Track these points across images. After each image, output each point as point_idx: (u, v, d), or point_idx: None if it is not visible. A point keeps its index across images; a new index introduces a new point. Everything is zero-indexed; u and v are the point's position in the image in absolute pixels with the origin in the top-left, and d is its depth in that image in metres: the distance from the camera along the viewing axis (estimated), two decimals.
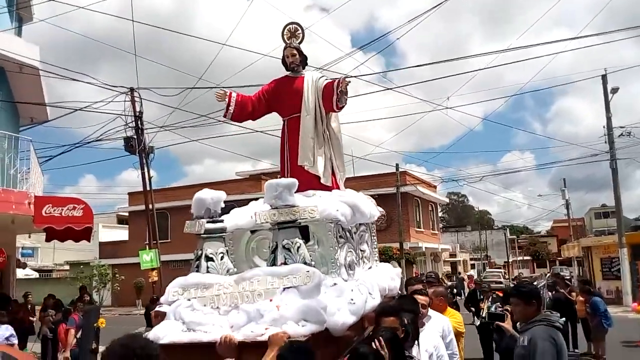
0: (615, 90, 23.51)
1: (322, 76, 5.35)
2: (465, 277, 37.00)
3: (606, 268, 25.14)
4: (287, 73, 5.46)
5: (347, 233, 4.76)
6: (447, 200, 48.83)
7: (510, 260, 63.03)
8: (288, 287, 3.53)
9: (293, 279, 3.55)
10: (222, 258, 3.97)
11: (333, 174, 5.27)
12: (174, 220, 31.78)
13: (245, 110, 5.38)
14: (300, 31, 5.41)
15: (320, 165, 5.12)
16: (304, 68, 5.46)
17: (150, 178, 17.03)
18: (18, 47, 11.90)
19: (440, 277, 11.05)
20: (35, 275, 37.39)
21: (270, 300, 3.50)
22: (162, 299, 3.83)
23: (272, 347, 3.12)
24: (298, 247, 3.79)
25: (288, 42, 5.39)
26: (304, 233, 4.35)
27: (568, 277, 19.76)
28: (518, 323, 4.65)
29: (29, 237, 13.79)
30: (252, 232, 4.58)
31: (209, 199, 3.96)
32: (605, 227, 42.69)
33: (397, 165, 31.41)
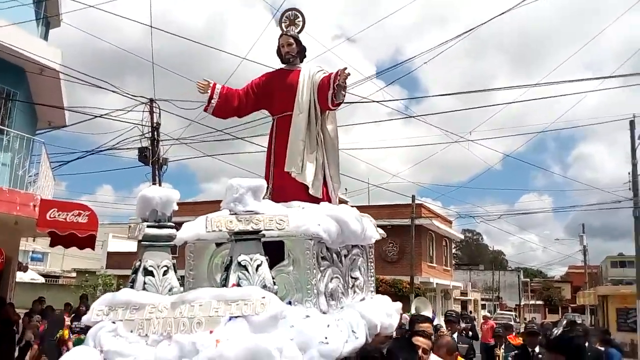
0: None
1: (321, 70, 4.57)
2: (480, 318, 35.42)
3: (622, 319, 23.87)
4: (282, 66, 4.72)
5: (334, 255, 3.93)
6: (462, 236, 47.19)
7: (522, 303, 60.78)
8: (235, 317, 2.71)
9: (244, 305, 2.74)
10: (165, 273, 3.17)
11: (325, 184, 4.45)
12: None
13: (229, 104, 4.63)
14: (300, 19, 4.67)
15: (310, 173, 4.31)
16: (301, 61, 4.71)
17: None
18: (40, 49, 11.79)
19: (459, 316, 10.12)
20: (41, 280, 37.08)
21: (211, 332, 2.69)
22: (84, 319, 3.05)
23: None
24: (258, 266, 2.98)
25: (285, 30, 4.65)
26: (278, 250, 3.56)
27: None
28: None
29: (34, 240, 13.54)
30: (218, 245, 3.79)
31: (156, 197, 3.19)
32: (622, 277, 41.02)
33: (413, 196, 30.14)
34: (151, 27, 13.09)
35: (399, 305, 5.00)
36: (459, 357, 4.92)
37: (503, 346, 7.76)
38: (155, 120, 15.78)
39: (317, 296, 3.52)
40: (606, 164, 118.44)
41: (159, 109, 15.66)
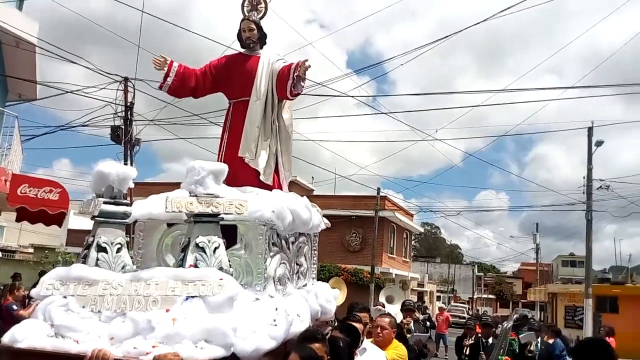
0: (600, 144, 23.94)
1: (281, 59, 4.64)
2: (435, 309, 36.74)
3: (569, 316, 25.26)
4: (242, 50, 4.74)
5: (283, 241, 4.04)
6: (422, 230, 48.59)
7: (475, 296, 63.30)
8: (192, 296, 2.77)
9: (201, 286, 2.80)
10: (118, 250, 3.16)
11: (277, 171, 4.54)
12: None
13: (186, 84, 4.60)
14: (263, 5, 4.70)
15: (263, 160, 4.39)
16: (261, 47, 4.74)
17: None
18: (17, 21, 11.34)
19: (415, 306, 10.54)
20: None
21: (167, 311, 2.73)
22: (32, 292, 3.00)
23: None
24: (215, 248, 3.04)
25: (247, 14, 4.67)
26: (231, 233, 3.62)
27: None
28: None
29: None
30: (169, 225, 3.80)
31: (113, 173, 3.16)
32: (572, 276, 43.33)
33: (378, 189, 30.77)
34: (142, 12, 12.50)
35: (336, 292, 5.21)
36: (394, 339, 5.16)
37: (473, 337, 8.13)
38: (129, 100, 15.44)
39: (266, 281, 3.63)
40: (561, 166, 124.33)
41: (134, 88, 15.35)
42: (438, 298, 53.74)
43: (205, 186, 3.07)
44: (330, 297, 4.74)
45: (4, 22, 10.92)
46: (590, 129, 24.10)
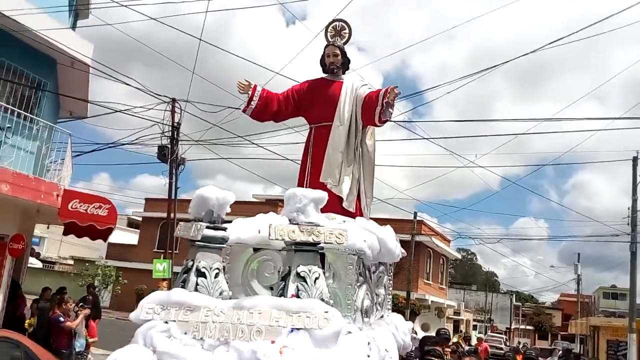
0: None
1: (365, 84, 4.60)
2: (474, 339, 35.88)
3: (612, 350, 24.51)
4: (324, 75, 4.73)
5: (367, 271, 3.95)
6: (459, 256, 47.66)
7: (513, 327, 61.48)
8: (298, 329, 2.69)
9: (306, 318, 2.72)
10: (216, 275, 3.12)
11: (358, 198, 4.47)
12: None
13: (269, 108, 4.61)
14: (347, 30, 4.69)
15: (346, 187, 4.33)
16: (344, 72, 4.72)
17: (177, 189, 16.92)
18: (73, 42, 11.82)
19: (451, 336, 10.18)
20: (39, 265, 35.91)
21: (272, 342, 2.67)
22: (131, 316, 2.97)
23: None
24: (316, 279, 2.98)
25: (331, 40, 4.66)
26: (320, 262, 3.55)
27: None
28: None
29: (47, 227, 13.46)
30: (255, 250, 3.76)
31: (213, 198, 3.14)
32: (613, 309, 41.83)
33: (415, 213, 30.59)
34: (200, 39, 12.82)
35: (410, 324, 5.06)
36: None
37: None
38: (176, 120, 15.92)
39: (354, 313, 3.53)
40: (603, 194, 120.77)
41: (181, 109, 15.95)
42: (474, 327, 52.35)
43: (307, 214, 3.02)
44: (406, 330, 4.60)
45: (60, 43, 11.33)
46: (635, 159, 23.41)
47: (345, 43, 4.69)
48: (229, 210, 3.27)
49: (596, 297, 55.46)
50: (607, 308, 46.69)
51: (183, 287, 3.05)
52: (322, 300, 2.92)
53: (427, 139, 15.71)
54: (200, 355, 2.70)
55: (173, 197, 17.04)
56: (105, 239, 11.95)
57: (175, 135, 15.98)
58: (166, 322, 2.85)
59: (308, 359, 2.56)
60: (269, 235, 2.94)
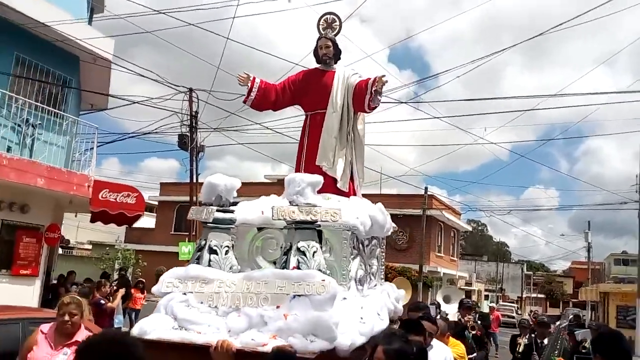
0: None
1: (355, 73, 4.97)
2: (484, 308, 36.60)
3: (621, 316, 24.97)
4: (318, 66, 5.09)
5: (360, 245, 4.37)
6: (470, 228, 48.24)
7: (524, 296, 62.20)
8: (299, 295, 3.12)
9: (306, 286, 3.15)
10: (226, 252, 3.55)
11: (351, 179, 4.87)
12: None
13: (267, 98, 4.98)
14: (337, 22, 5.03)
15: (340, 168, 4.72)
16: (336, 62, 5.08)
17: (197, 175, 17.41)
18: (94, 39, 12.29)
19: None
20: (59, 251, 36.37)
21: (277, 307, 3.10)
22: (154, 289, 3.40)
23: None
24: (314, 252, 3.40)
25: (323, 32, 5.01)
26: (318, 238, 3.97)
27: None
28: None
29: (75, 216, 14.20)
30: (259, 229, 4.18)
31: (222, 184, 3.56)
32: (624, 275, 42.18)
33: (425, 188, 30.90)
34: (227, 38, 13.09)
35: (402, 292, 5.51)
36: (450, 338, 5.41)
37: (527, 336, 8.19)
38: (193, 109, 16.41)
39: (349, 281, 3.97)
40: (613, 160, 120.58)
41: (197, 99, 16.40)
42: (486, 297, 53.20)
43: (305, 196, 3.42)
44: (399, 297, 5.05)
45: (83, 41, 11.81)
46: None
47: (336, 35, 5.04)
48: (235, 194, 3.67)
49: (607, 264, 55.95)
50: (618, 274, 46.98)
51: (197, 263, 3.48)
52: (320, 270, 3.34)
53: (436, 117, 15.99)
54: (215, 321, 3.13)
55: (194, 182, 17.52)
56: (131, 225, 13.21)
57: (194, 124, 16.52)
58: (184, 294, 3.28)
59: (308, 320, 2.98)
60: (272, 215, 3.35)
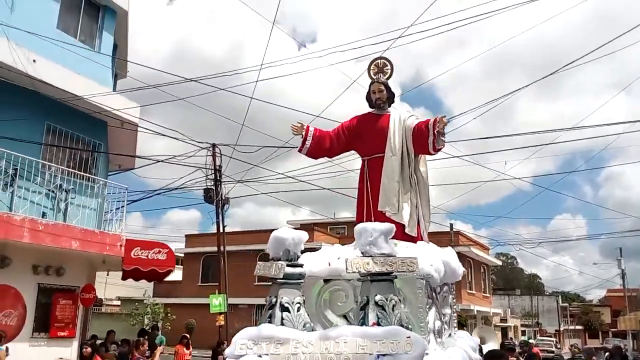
0: None
1: (412, 115, 4.85)
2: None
3: None
4: (371, 110, 5.00)
5: (434, 293, 4.13)
6: (499, 262, 46.89)
7: (562, 328, 59.49)
8: (384, 354, 2.90)
9: (390, 344, 2.93)
10: (298, 309, 3.38)
11: (418, 223, 4.67)
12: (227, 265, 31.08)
13: (322, 146, 4.90)
14: (388, 67, 4.97)
15: (406, 213, 4.54)
16: (389, 106, 4.98)
17: (224, 227, 17.78)
18: (119, 104, 12.88)
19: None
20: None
21: None
22: (227, 352, 3.24)
23: None
24: (393, 306, 3.18)
25: (375, 77, 4.94)
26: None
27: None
28: None
29: (107, 274, 14.50)
30: (326, 281, 3.99)
31: (289, 238, 3.42)
32: None
33: (451, 224, 30.63)
34: (251, 98, 13.46)
35: (477, 339, 5.18)
36: None
37: None
38: (217, 164, 16.89)
39: (428, 334, 3.71)
40: (638, 184, 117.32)
41: (221, 153, 16.93)
42: (523, 332, 51.02)
43: (379, 246, 3.24)
44: (475, 346, 4.73)
45: (111, 108, 12.31)
46: None
47: (388, 78, 4.96)
48: (302, 248, 3.52)
49: None
50: None
51: (269, 321, 3.30)
52: (402, 325, 3.12)
53: (457, 156, 15.63)
54: None
55: (221, 232, 17.71)
56: (162, 280, 13.07)
57: (219, 177, 16.94)
58: (259, 356, 3.10)
59: None
60: (346, 269, 3.17)
